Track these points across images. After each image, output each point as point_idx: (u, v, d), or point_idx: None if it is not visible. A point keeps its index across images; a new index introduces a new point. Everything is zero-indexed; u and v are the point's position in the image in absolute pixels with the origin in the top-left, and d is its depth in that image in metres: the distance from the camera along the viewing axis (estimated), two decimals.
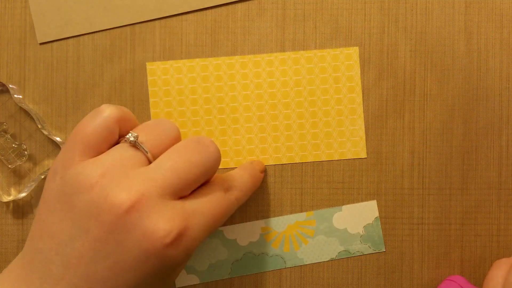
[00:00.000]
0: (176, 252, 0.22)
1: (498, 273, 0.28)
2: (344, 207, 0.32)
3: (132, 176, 0.22)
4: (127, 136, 0.24)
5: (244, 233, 0.32)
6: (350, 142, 0.32)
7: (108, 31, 0.32)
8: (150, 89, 0.32)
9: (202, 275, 0.32)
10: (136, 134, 0.24)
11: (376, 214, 0.32)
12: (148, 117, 0.32)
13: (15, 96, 0.32)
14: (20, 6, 0.32)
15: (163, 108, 0.32)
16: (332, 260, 0.32)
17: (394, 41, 0.32)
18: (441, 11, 0.32)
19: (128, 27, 0.32)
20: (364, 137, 0.32)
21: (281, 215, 0.32)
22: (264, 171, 0.28)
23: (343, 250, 0.32)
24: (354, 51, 0.32)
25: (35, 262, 0.23)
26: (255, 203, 0.32)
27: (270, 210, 0.32)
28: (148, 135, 0.24)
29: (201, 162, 0.24)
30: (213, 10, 0.32)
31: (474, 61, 0.32)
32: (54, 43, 0.32)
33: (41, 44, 0.32)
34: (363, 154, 0.32)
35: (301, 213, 0.32)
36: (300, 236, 0.32)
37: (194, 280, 0.32)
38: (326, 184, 0.32)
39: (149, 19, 0.32)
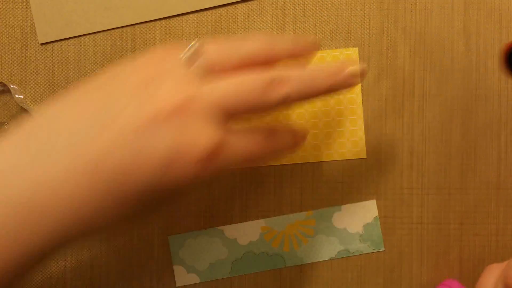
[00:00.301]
0: (195, 173, 0.21)
1: (489, 280, 0.27)
2: (343, 206, 0.32)
3: (186, 84, 0.22)
4: (193, 46, 0.23)
5: (244, 233, 0.32)
6: (350, 143, 0.32)
7: (108, 31, 0.32)
8: None
9: (202, 274, 0.32)
10: (204, 52, 0.23)
11: (376, 213, 0.32)
12: None
13: (17, 96, 0.32)
14: (22, 6, 0.32)
15: None
16: (331, 259, 0.32)
17: (394, 41, 0.32)
18: (440, 12, 0.32)
19: (128, 28, 0.32)
20: (363, 138, 0.32)
21: (281, 214, 0.32)
22: (304, 138, 0.27)
23: (342, 249, 0.32)
24: (353, 52, 0.32)
25: (40, 132, 0.21)
26: (255, 203, 0.32)
27: (270, 209, 0.32)
28: (220, 51, 0.23)
29: (258, 100, 0.22)
30: (213, 11, 0.32)
31: (473, 61, 0.32)
32: (55, 44, 0.32)
33: (42, 44, 0.32)
34: (363, 155, 0.32)
35: (301, 213, 0.32)
36: (300, 236, 0.32)
37: (195, 279, 0.32)
38: (325, 184, 0.32)
39: (149, 19, 0.32)
